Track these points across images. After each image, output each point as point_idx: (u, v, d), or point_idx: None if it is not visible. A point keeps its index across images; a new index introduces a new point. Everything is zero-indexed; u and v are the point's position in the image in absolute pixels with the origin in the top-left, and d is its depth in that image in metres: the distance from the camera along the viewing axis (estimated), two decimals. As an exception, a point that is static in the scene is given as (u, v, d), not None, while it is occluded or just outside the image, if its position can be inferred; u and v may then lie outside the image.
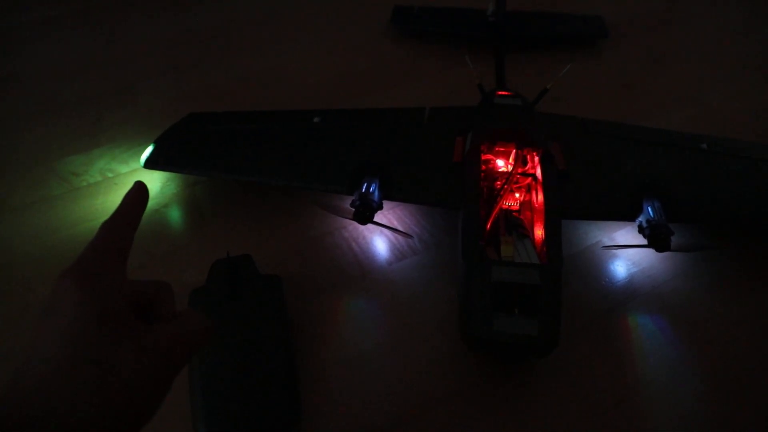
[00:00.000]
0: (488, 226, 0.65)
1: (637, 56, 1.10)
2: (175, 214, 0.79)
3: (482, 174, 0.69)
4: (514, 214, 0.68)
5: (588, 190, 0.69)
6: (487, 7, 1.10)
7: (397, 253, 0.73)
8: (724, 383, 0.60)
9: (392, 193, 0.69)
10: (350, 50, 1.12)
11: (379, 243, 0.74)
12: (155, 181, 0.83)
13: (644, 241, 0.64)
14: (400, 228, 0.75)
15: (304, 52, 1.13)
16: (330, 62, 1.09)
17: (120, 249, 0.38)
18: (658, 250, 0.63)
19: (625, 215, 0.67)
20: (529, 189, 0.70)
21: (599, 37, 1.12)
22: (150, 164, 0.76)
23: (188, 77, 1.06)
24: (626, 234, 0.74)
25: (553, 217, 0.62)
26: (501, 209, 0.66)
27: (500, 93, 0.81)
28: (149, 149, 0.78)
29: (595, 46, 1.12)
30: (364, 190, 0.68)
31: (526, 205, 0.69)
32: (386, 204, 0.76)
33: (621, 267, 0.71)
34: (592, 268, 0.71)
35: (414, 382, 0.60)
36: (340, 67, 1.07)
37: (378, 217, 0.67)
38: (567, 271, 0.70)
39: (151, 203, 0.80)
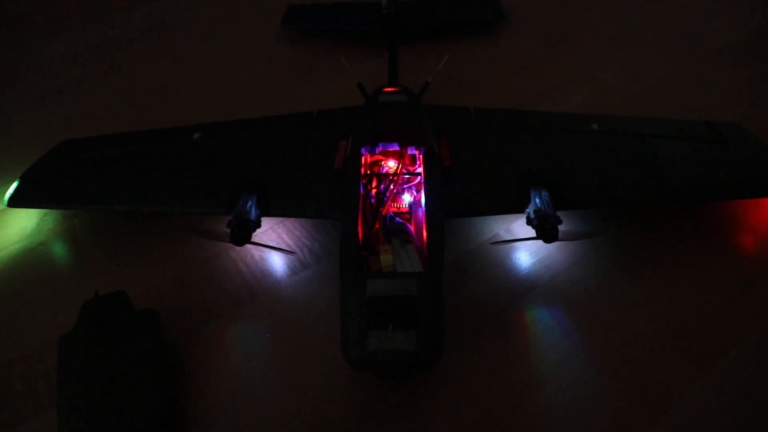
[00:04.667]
0: (375, 228, 0.62)
1: (536, 38, 1.09)
2: (52, 251, 0.74)
3: (367, 178, 0.66)
4: (401, 218, 0.65)
5: (475, 186, 0.66)
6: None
7: (287, 270, 0.69)
8: (622, 372, 0.58)
9: (269, 208, 0.65)
10: (242, 57, 1.08)
11: (269, 260, 0.70)
12: (31, 217, 0.77)
13: (533, 233, 0.63)
14: (281, 246, 0.71)
15: (193, 63, 1.07)
16: (220, 72, 1.04)
17: None
18: (546, 240, 0.61)
19: (513, 207, 0.65)
20: (419, 188, 0.67)
21: (496, 20, 1.10)
22: (14, 202, 0.71)
23: (70, 99, 0.99)
24: (524, 225, 0.72)
25: (435, 219, 0.59)
26: (383, 215, 0.63)
27: (386, 90, 0.78)
28: (13, 185, 0.72)
29: (494, 30, 1.10)
30: (239, 208, 0.64)
31: (417, 204, 0.67)
32: (275, 218, 0.72)
33: (518, 259, 0.69)
34: (489, 263, 0.69)
35: (305, 408, 0.57)
36: (231, 77, 1.03)
37: (265, 232, 0.63)
38: (462, 270, 0.68)
39: (27, 241, 0.75)
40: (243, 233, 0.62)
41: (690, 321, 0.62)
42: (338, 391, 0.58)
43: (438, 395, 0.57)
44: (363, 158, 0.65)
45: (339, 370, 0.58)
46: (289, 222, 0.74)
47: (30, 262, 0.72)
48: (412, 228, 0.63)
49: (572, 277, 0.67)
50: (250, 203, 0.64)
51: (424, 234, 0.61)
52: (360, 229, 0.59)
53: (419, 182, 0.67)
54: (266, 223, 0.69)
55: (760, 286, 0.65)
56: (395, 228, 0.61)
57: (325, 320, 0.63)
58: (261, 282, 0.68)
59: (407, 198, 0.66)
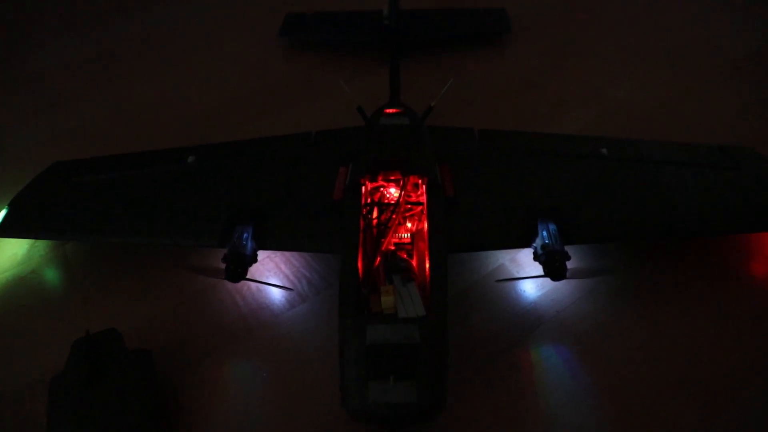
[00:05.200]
0: (376, 264, 0.59)
1: (542, 51, 1.06)
2: (43, 281, 0.71)
3: (368, 208, 0.63)
4: (402, 252, 0.62)
5: (479, 218, 0.64)
6: (384, 9, 1.04)
7: (285, 303, 0.67)
8: (630, 416, 0.56)
9: (267, 241, 0.63)
10: (239, 70, 1.05)
11: (266, 293, 0.68)
12: (22, 244, 0.75)
13: (539, 267, 0.60)
14: (278, 278, 0.69)
15: (189, 77, 1.04)
16: (217, 86, 1.01)
17: None
18: (554, 279, 0.59)
19: (519, 242, 0.62)
20: (421, 217, 0.65)
21: (502, 32, 1.07)
22: (2, 232, 0.68)
23: (62, 114, 0.97)
24: (530, 255, 0.70)
25: (438, 257, 0.57)
26: (384, 252, 0.60)
27: (388, 111, 0.75)
28: (1, 214, 0.70)
29: (499, 42, 1.07)
30: (235, 241, 0.61)
31: (420, 233, 0.64)
32: (271, 248, 0.70)
33: (524, 292, 0.67)
34: (494, 296, 0.66)
35: (303, 453, 0.55)
36: (228, 91, 1.00)
37: (262, 261, 0.61)
38: (467, 304, 0.66)
39: (18, 269, 0.73)
40: (239, 269, 0.59)
41: (701, 361, 0.60)
42: (336, 433, 0.56)
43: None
44: (363, 187, 0.63)
45: (337, 413, 0.56)
46: (288, 252, 0.72)
47: (21, 292, 0.70)
48: (414, 263, 0.60)
49: (579, 312, 0.64)
50: (245, 235, 0.62)
51: (427, 268, 0.59)
52: (360, 264, 0.57)
53: (421, 210, 0.64)
54: (263, 251, 0.67)
55: (774, 323, 0.63)
56: (396, 265, 0.59)
57: (323, 358, 0.61)
58: (258, 316, 0.65)
59: (409, 226, 0.64)
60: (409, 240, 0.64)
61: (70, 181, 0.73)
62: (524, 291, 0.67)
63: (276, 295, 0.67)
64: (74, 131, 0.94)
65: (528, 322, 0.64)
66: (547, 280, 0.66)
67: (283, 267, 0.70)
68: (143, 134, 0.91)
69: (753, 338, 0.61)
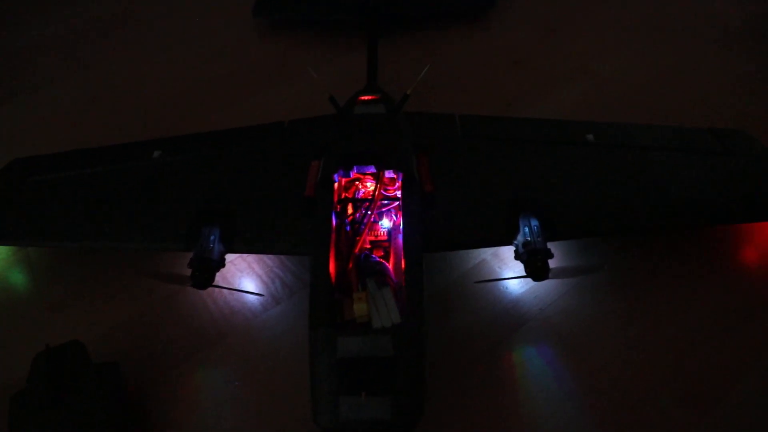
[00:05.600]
0: (350, 265, 0.56)
1: (527, 27, 1.01)
2: (5, 285, 0.68)
3: (340, 205, 0.60)
4: (379, 250, 0.59)
5: (458, 214, 0.61)
6: (362, -15, 0.99)
7: (258, 306, 0.64)
8: (616, 418, 0.54)
9: (235, 244, 0.60)
10: (211, 52, 1.00)
11: (238, 295, 0.65)
12: (-18, 245, 0.72)
13: (521, 269, 0.57)
14: (248, 284, 0.66)
15: (158, 60, 0.99)
16: (188, 70, 0.97)
17: None
18: (536, 279, 0.56)
19: (500, 240, 0.59)
20: (399, 212, 0.62)
21: (486, 7, 1.02)
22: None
23: (25, 103, 0.92)
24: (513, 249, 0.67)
25: (414, 260, 0.54)
26: (357, 254, 0.57)
27: (363, 98, 0.71)
28: (-44, 217, 0.66)
29: (483, 18, 1.02)
30: (201, 245, 0.58)
31: (397, 230, 0.61)
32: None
33: (506, 289, 0.64)
34: (474, 294, 0.64)
35: (277, 466, 0.53)
36: (200, 74, 0.95)
37: (233, 261, 0.58)
38: (445, 302, 0.63)
39: (-24, 274, 0.69)
40: (205, 275, 0.56)
41: (688, 360, 0.58)
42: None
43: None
44: (336, 183, 0.60)
45: (310, 422, 0.54)
46: (259, 250, 0.69)
47: (-21, 300, 0.67)
48: (391, 263, 0.58)
49: (564, 310, 0.62)
50: (212, 238, 0.59)
51: (403, 268, 0.56)
52: (333, 266, 0.54)
53: (398, 205, 0.61)
54: (235, 251, 0.64)
55: (763, 319, 0.60)
56: (370, 268, 0.56)
57: (298, 364, 0.58)
58: (230, 320, 0.63)
59: (386, 223, 0.61)
60: (385, 237, 0.61)
61: (29, 181, 0.69)
62: (506, 288, 0.64)
63: (248, 297, 0.65)
64: (37, 123, 0.89)
65: (510, 321, 0.61)
66: (531, 273, 0.64)
67: (255, 267, 0.67)
68: (110, 121, 0.87)
69: (741, 336, 0.59)
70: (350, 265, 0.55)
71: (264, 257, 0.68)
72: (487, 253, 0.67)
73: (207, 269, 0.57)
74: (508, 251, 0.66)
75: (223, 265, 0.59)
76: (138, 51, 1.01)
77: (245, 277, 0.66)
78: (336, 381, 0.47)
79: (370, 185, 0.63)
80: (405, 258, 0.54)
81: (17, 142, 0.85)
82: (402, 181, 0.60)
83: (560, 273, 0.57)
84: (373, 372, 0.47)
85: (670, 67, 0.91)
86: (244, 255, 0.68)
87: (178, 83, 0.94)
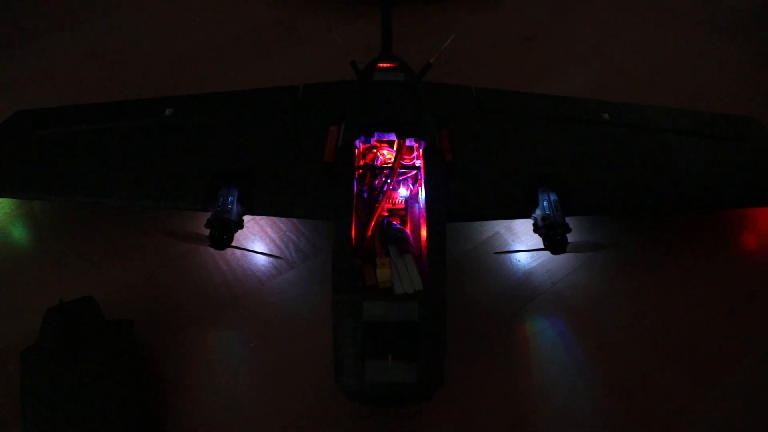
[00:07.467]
0: (369, 233, 0.56)
1: (541, 4, 1.00)
2: (9, 240, 0.67)
3: (361, 171, 0.60)
4: (395, 218, 0.59)
5: (478, 186, 0.61)
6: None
7: (272, 269, 0.64)
8: (625, 389, 0.56)
9: (253, 206, 0.59)
10: (218, 13, 0.97)
11: (251, 258, 0.64)
12: (-17, 198, 0.70)
13: (540, 241, 0.58)
14: (265, 242, 0.66)
15: (164, 17, 0.96)
16: (194, 29, 0.94)
17: None
18: (554, 252, 0.57)
19: (519, 212, 0.60)
20: (416, 181, 0.62)
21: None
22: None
23: (24, 56, 0.89)
24: (527, 223, 0.68)
25: (437, 228, 0.54)
26: (379, 218, 0.57)
27: (381, 65, 0.70)
28: (-42, 168, 0.64)
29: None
30: (220, 205, 0.57)
31: (414, 199, 0.61)
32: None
33: (519, 262, 0.65)
34: (488, 266, 0.64)
35: (292, 425, 0.53)
36: (206, 35, 0.93)
37: (247, 224, 0.57)
38: (461, 273, 0.64)
39: (-23, 227, 0.67)
40: (224, 236, 0.56)
41: (695, 336, 0.59)
42: (327, 408, 0.54)
43: (434, 412, 0.54)
44: (356, 149, 0.59)
45: (328, 385, 0.54)
46: (274, 214, 0.68)
47: (-19, 253, 0.65)
48: (409, 231, 0.58)
49: (575, 284, 0.63)
50: (231, 199, 0.58)
51: (422, 237, 0.56)
52: (354, 232, 0.54)
53: (416, 174, 0.61)
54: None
55: (766, 299, 0.62)
56: (392, 235, 0.56)
57: (313, 329, 0.59)
58: (243, 283, 0.62)
59: (403, 192, 0.61)
60: (402, 206, 0.61)
61: (35, 133, 0.67)
62: (519, 261, 0.65)
63: (262, 260, 0.64)
64: (38, 76, 0.86)
65: (523, 293, 0.62)
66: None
67: (269, 231, 0.67)
68: (113, 81, 0.85)
69: (747, 313, 0.61)
70: (369, 233, 0.55)
71: (277, 221, 0.67)
72: (500, 225, 0.68)
73: (226, 230, 0.56)
74: (521, 225, 0.68)
75: (242, 227, 0.58)
76: (141, 7, 0.98)
77: (259, 241, 0.66)
78: (361, 345, 0.47)
79: (387, 153, 0.62)
80: (427, 227, 0.54)
81: (16, 94, 0.82)
82: (423, 150, 0.59)
83: (577, 247, 0.57)
84: (398, 337, 0.47)
85: (684, 52, 0.92)
86: (257, 218, 0.67)
87: (184, 44, 0.91)
